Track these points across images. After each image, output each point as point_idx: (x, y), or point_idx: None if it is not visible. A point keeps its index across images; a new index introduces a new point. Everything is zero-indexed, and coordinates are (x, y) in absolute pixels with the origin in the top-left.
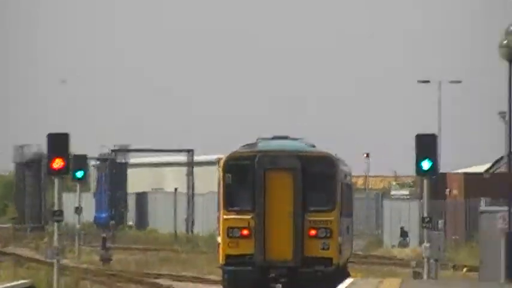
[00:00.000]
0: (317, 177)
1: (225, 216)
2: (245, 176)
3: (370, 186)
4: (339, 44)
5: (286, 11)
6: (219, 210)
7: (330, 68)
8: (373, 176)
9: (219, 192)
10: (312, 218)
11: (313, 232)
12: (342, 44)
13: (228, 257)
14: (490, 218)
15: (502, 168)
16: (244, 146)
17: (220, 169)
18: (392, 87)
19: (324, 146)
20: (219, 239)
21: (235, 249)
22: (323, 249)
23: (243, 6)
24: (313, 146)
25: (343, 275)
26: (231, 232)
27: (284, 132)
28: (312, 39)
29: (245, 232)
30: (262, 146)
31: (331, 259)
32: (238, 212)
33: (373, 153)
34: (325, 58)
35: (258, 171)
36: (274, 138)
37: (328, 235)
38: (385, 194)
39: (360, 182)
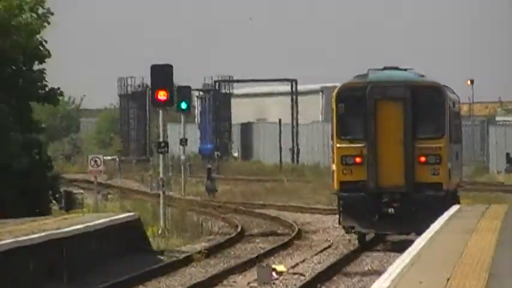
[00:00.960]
0: (426, 106)
1: (338, 145)
2: (357, 105)
3: (474, 113)
4: None
5: None
6: (332, 139)
7: None
8: (478, 103)
9: (332, 121)
10: (421, 145)
11: (423, 159)
12: None
13: (342, 183)
14: None
15: None
16: (355, 76)
17: (333, 99)
18: (493, 12)
19: (427, 73)
20: (333, 167)
21: (349, 176)
22: (433, 174)
23: None
24: (422, 76)
25: (454, 199)
26: (344, 160)
27: (392, 62)
28: None
29: (358, 160)
30: (373, 76)
31: (441, 184)
32: (351, 141)
33: (477, 79)
34: None
35: (369, 101)
36: (385, 68)
37: (438, 161)
38: (490, 120)
39: (465, 108)
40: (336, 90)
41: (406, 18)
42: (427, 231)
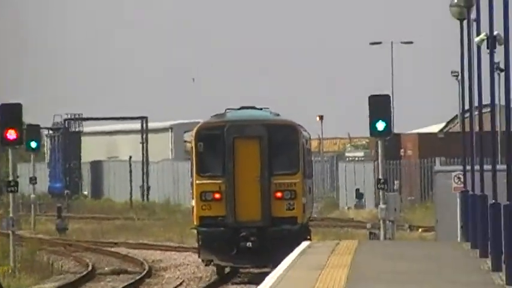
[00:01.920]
0: (282, 144)
1: (197, 181)
2: (216, 144)
3: (324, 149)
4: (291, 6)
5: None
6: (192, 176)
7: (282, 31)
8: (327, 139)
9: (191, 159)
10: (277, 181)
11: (279, 194)
12: (293, 5)
13: (201, 218)
14: (445, 178)
15: (456, 128)
16: (213, 116)
17: (193, 138)
18: (344, 49)
19: (276, 110)
20: (193, 202)
21: (209, 211)
22: (288, 209)
23: None
24: (278, 115)
25: (306, 232)
26: (204, 196)
27: (242, 100)
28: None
29: (217, 195)
30: (230, 115)
31: (296, 218)
32: (210, 177)
33: (326, 115)
34: (276, 20)
35: (228, 139)
36: (242, 108)
37: (293, 196)
38: (339, 156)
39: (315, 144)
40: (195, 129)
41: (254, 53)
42: (278, 267)
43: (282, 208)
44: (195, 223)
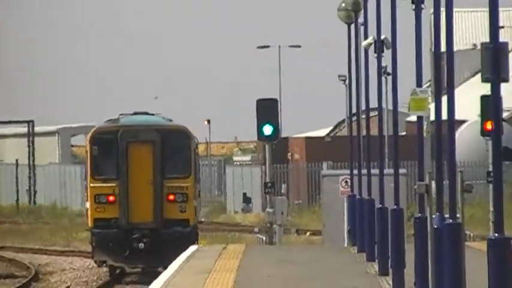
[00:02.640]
0: (174, 148)
1: (92, 184)
2: (110, 148)
3: (212, 153)
4: (177, 13)
5: None
6: (86, 179)
7: (169, 33)
8: (214, 143)
9: (86, 163)
10: (170, 184)
11: (171, 197)
12: (177, 14)
13: (96, 220)
14: (332, 182)
15: (344, 131)
16: (107, 121)
17: (87, 142)
18: (231, 53)
19: (165, 113)
20: (87, 205)
21: (103, 214)
22: (181, 211)
23: None
24: (170, 120)
25: (196, 234)
26: (98, 198)
27: (127, 103)
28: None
29: (111, 198)
30: (124, 121)
31: (188, 220)
32: (104, 180)
33: (214, 119)
34: (162, 21)
35: (121, 144)
36: (135, 114)
37: (185, 199)
38: (227, 160)
39: (202, 148)
40: (90, 134)
41: (142, 54)
42: (165, 272)
43: (174, 210)
44: (89, 225)
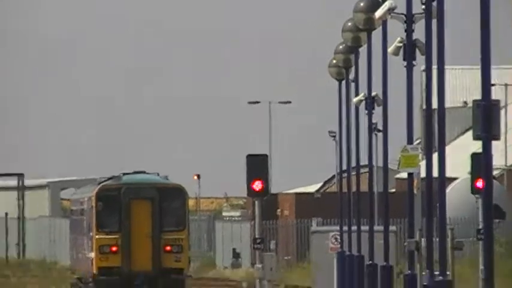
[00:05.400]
0: (171, 204)
1: (97, 236)
2: (113, 203)
3: (201, 208)
4: (167, 62)
5: None
6: (91, 231)
7: (159, 86)
8: (204, 198)
9: (91, 217)
10: (167, 237)
11: (168, 248)
12: (170, 63)
13: (100, 268)
14: (322, 238)
15: (333, 188)
16: (109, 178)
17: (93, 198)
18: (222, 109)
19: (156, 167)
20: (92, 255)
21: (106, 262)
22: (176, 261)
23: None
24: (167, 178)
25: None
26: (102, 248)
27: (118, 159)
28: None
29: (114, 248)
30: (126, 179)
31: (182, 269)
32: (108, 233)
33: (204, 175)
34: (150, 74)
35: (124, 200)
36: (135, 172)
37: (180, 250)
38: (216, 215)
39: (191, 203)
40: (95, 190)
41: (127, 109)
42: None
43: (170, 260)
44: (93, 272)
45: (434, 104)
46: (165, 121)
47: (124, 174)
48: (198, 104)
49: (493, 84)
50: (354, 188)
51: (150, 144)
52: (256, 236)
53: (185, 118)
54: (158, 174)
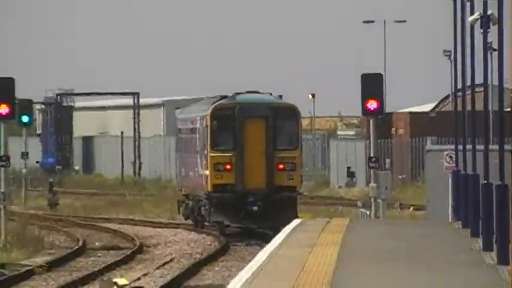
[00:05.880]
0: (284, 123)
1: (211, 154)
2: (227, 122)
3: (316, 127)
4: None
5: None
6: (205, 149)
7: (276, 11)
8: (319, 117)
9: (204, 135)
10: (280, 155)
11: (281, 166)
12: None
13: (214, 186)
14: (436, 157)
15: (448, 107)
16: (221, 98)
17: (207, 117)
18: (337, 28)
19: (270, 87)
20: (207, 172)
21: (220, 180)
22: (289, 179)
23: None
24: (280, 97)
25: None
26: (216, 166)
27: (236, 79)
28: None
29: (228, 166)
30: (240, 99)
31: (295, 187)
32: (222, 151)
33: (318, 93)
34: (269, 0)
35: (238, 119)
36: (248, 92)
37: (293, 168)
38: (331, 134)
39: (306, 122)
40: (209, 110)
41: (245, 30)
42: (269, 244)
43: (283, 178)
44: (208, 189)
45: None
46: (281, 42)
47: (237, 93)
48: (314, 24)
49: None
50: (468, 107)
51: (266, 64)
52: (371, 155)
53: (301, 38)
54: (271, 94)
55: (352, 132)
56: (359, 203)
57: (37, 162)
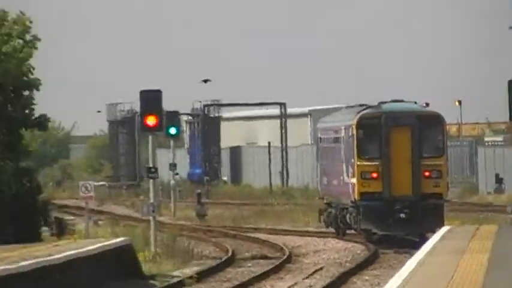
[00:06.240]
0: (429, 131)
1: (358, 163)
2: (373, 131)
3: (463, 134)
4: None
5: None
6: (352, 158)
7: (423, 12)
8: (466, 123)
9: (352, 144)
10: (426, 163)
11: (427, 173)
12: None
13: (361, 194)
14: None
15: None
16: (366, 108)
17: (353, 126)
18: (483, 34)
19: (416, 94)
20: (354, 180)
21: (368, 188)
22: (435, 186)
23: None
24: (427, 104)
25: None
26: (363, 175)
27: (379, 83)
28: None
29: (374, 175)
30: (385, 107)
31: (441, 194)
32: (368, 159)
33: (465, 100)
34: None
35: (385, 127)
36: (393, 101)
37: (439, 176)
38: (478, 140)
39: (453, 129)
40: (355, 119)
41: (390, 39)
42: (418, 252)
43: (429, 185)
44: (356, 198)
45: None
46: (429, 48)
47: (382, 102)
48: (460, 30)
49: None
50: None
51: (409, 72)
52: None
53: (447, 44)
54: (416, 103)
55: (500, 138)
56: (509, 209)
57: (176, 173)
